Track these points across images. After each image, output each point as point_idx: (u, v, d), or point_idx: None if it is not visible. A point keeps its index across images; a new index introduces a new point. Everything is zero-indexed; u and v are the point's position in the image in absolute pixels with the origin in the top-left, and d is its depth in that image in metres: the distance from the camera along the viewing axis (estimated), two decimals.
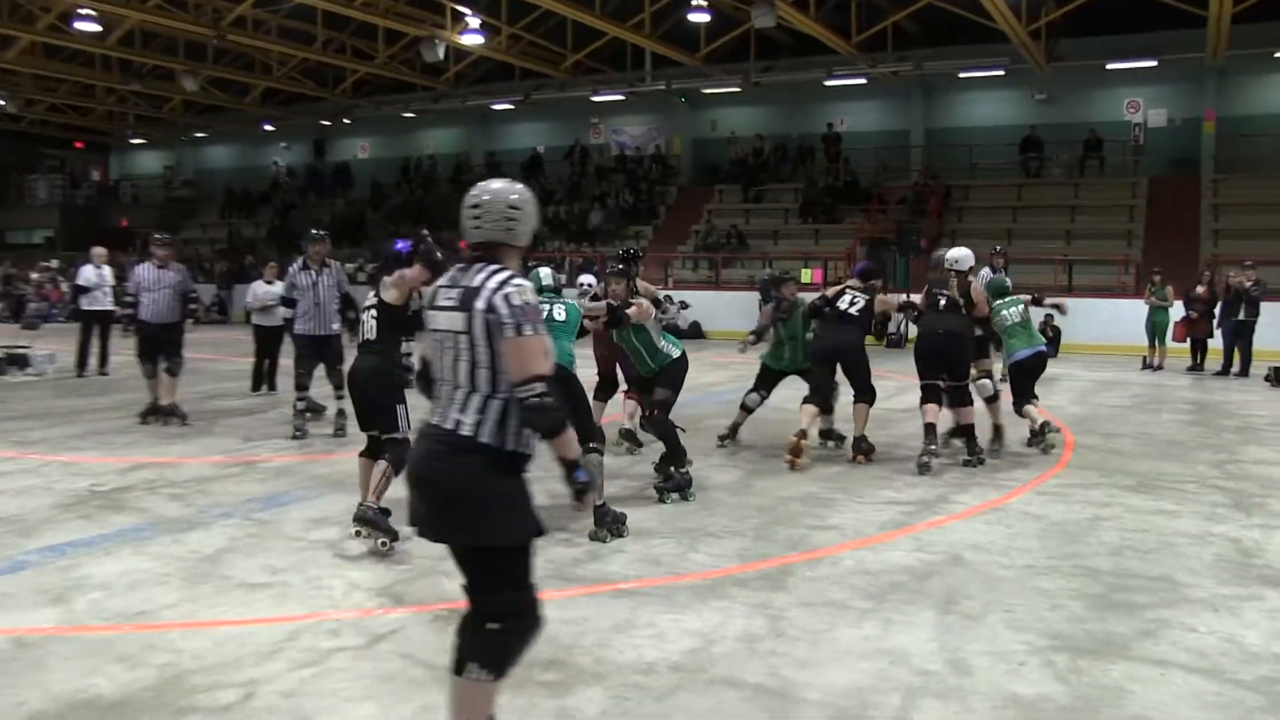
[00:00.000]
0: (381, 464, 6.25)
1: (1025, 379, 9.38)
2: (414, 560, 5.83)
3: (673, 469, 7.44)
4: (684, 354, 7.71)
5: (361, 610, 5.07)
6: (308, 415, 10.20)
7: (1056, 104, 26.60)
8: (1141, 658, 4.52)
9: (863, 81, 26.94)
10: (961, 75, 26.25)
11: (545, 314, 6.63)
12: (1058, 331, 19.36)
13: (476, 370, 3.25)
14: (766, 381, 9.54)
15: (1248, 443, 10.04)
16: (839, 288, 9.20)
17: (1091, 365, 17.67)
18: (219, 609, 5.06)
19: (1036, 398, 9.47)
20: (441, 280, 3.41)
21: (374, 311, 6.51)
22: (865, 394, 8.87)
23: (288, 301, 10.08)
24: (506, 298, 3.22)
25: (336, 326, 10.09)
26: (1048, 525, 6.76)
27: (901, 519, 6.93)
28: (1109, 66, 24.58)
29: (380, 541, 6.02)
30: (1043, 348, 9.60)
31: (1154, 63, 24.08)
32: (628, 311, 7.33)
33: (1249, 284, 16.00)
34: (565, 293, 7.72)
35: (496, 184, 3.42)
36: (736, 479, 8.12)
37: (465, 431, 3.24)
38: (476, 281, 3.27)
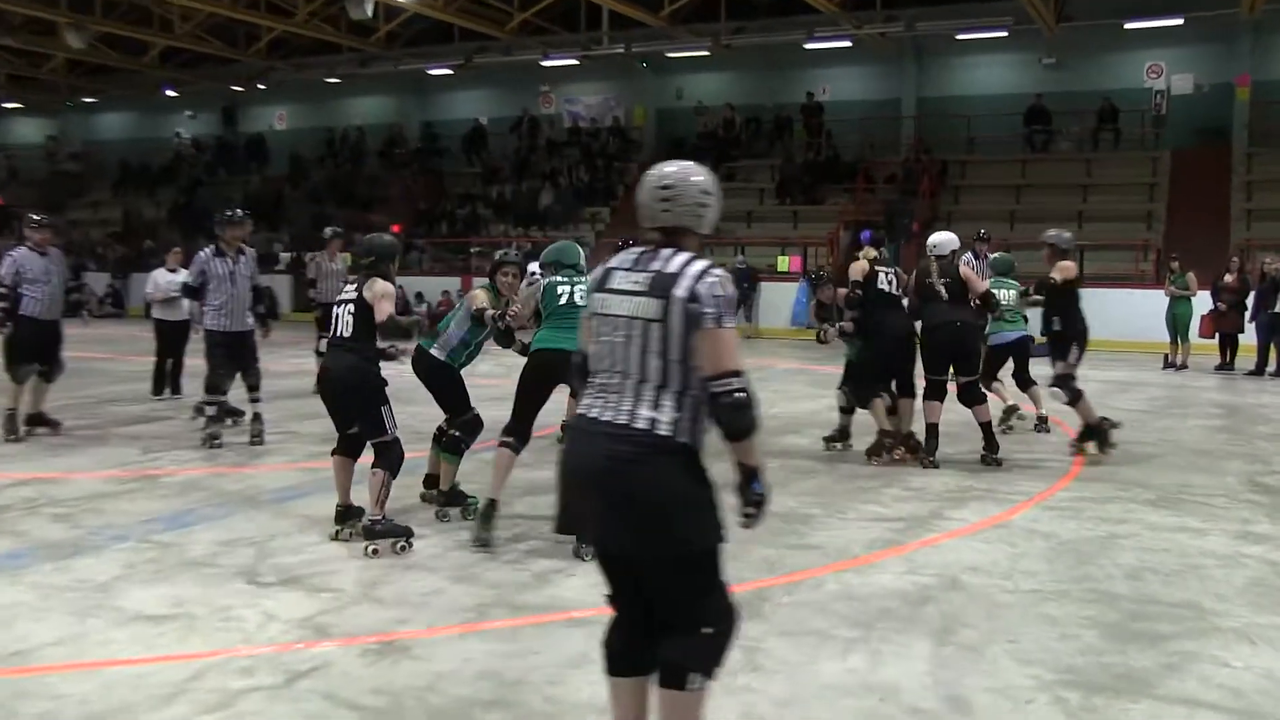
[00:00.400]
0: (379, 473, 6.52)
1: (1000, 363, 10.65)
2: (339, 587, 5.79)
3: None
4: None
5: (278, 645, 5.02)
6: (229, 422, 10.13)
7: (1066, 69, 26.84)
8: (1166, 696, 4.55)
9: (847, 44, 27.05)
10: (959, 37, 26.41)
11: (566, 298, 6.81)
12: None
13: (669, 363, 3.34)
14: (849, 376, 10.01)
15: None
16: (863, 267, 9.31)
17: (1106, 364, 17.80)
18: (110, 647, 4.99)
19: (1000, 381, 10.81)
20: (613, 262, 3.51)
21: (351, 307, 6.70)
22: (911, 387, 9.36)
23: (192, 292, 9.98)
24: (710, 286, 3.32)
25: (251, 321, 10.07)
26: (1056, 544, 6.80)
27: (891, 537, 6.95)
28: (1127, 26, 24.80)
29: (398, 546, 6.42)
30: (1025, 332, 10.73)
31: (1179, 20, 24.22)
32: None
33: None
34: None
35: (683, 167, 3.56)
36: None
37: (663, 431, 3.32)
38: (673, 267, 3.37)
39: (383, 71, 31.70)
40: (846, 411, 9.87)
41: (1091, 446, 9.43)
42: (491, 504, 6.68)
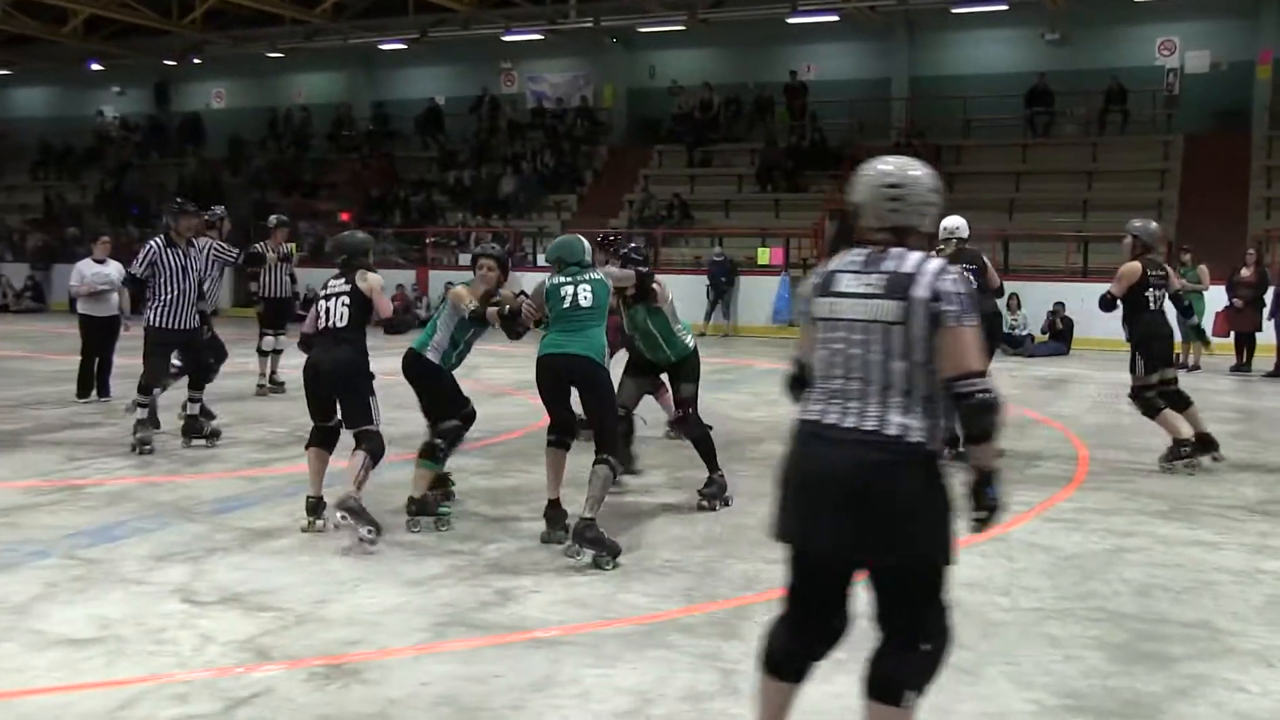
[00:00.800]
0: (360, 455, 7.04)
1: None
2: (283, 606, 5.78)
3: (714, 474, 8.09)
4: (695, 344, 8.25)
5: (217, 669, 5.00)
6: (208, 443, 10.13)
7: (1071, 46, 27.02)
8: None
9: (834, 19, 27.15)
10: (955, 11, 26.56)
11: (569, 300, 7.01)
12: (1069, 324, 19.69)
13: (913, 367, 3.48)
14: None
15: None
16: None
17: (1111, 365, 17.90)
18: (28, 674, 4.95)
19: None
20: (836, 264, 3.65)
21: (345, 299, 7.28)
22: None
23: (138, 284, 9.97)
24: (952, 284, 3.48)
25: (198, 318, 10.20)
26: (1059, 559, 6.84)
27: None
28: None
29: (367, 530, 6.79)
30: None
31: None
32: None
33: None
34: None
35: (904, 163, 3.70)
36: (680, 502, 8.14)
37: (914, 438, 3.46)
38: (908, 266, 3.51)
39: (330, 46, 31.59)
40: None
41: (1206, 459, 9.57)
42: (553, 505, 7.09)
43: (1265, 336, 17.05)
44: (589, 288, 7.09)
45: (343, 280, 7.36)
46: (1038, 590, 6.21)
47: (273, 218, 14.16)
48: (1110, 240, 22.52)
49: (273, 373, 13.36)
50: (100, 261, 12.66)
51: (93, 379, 12.79)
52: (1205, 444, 9.61)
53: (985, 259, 10.09)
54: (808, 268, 23.68)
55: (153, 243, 9.99)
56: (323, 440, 7.39)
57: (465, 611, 5.74)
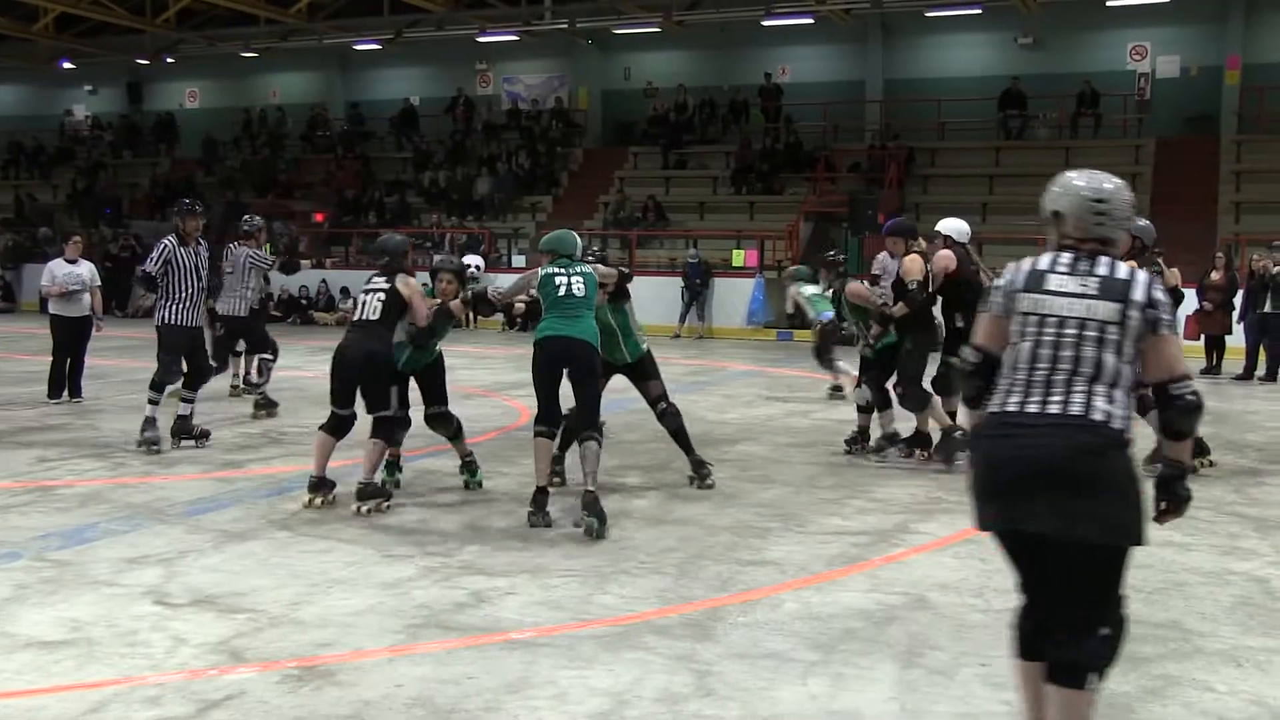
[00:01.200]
0: (377, 444, 7.77)
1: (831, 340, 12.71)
2: (257, 608, 5.76)
3: (693, 456, 8.74)
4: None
5: (189, 671, 4.98)
6: (198, 444, 10.16)
7: (1044, 49, 27.19)
8: None
9: (809, 22, 27.25)
10: (929, 14, 26.70)
11: (565, 289, 7.54)
12: None
13: (1121, 362, 3.80)
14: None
15: (1275, 461, 10.33)
16: (920, 264, 9.60)
17: None
18: None
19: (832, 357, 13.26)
20: (1043, 265, 3.92)
21: (382, 295, 7.96)
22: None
23: (150, 282, 10.04)
24: (1161, 293, 3.84)
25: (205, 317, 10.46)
26: None
27: (854, 552, 7.00)
28: (1110, 3, 25.17)
29: (384, 505, 7.69)
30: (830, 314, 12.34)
31: None
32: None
33: (1277, 268, 16.17)
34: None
35: (1103, 180, 3.99)
36: (654, 504, 8.16)
37: (1117, 425, 3.76)
38: (1122, 274, 3.85)
39: (304, 46, 31.51)
40: (865, 411, 10.14)
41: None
42: (540, 492, 7.52)
43: (1235, 339, 17.14)
44: (581, 279, 7.61)
45: (384, 279, 8.03)
46: (1010, 592, 6.18)
47: (247, 219, 14.10)
48: None
49: (247, 373, 13.31)
50: (72, 261, 12.59)
51: (64, 379, 12.71)
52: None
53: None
54: (782, 269, 23.80)
55: (166, 241, 10.07)
56: (335, 427, 7.97)
57: (440, 613, 5.74)
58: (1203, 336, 17.30)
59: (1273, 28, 25.57)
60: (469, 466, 8.64)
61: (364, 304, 8.02)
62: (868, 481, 9.04)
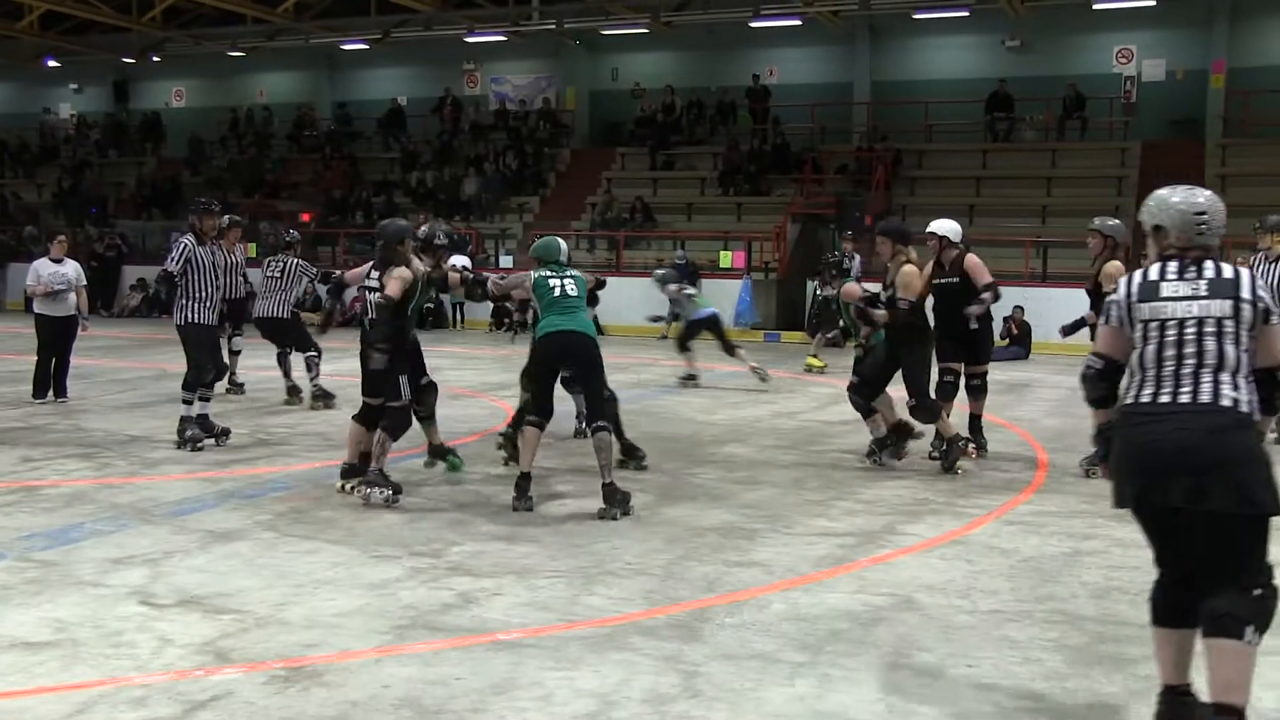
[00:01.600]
0: (379, 433, 8.00)
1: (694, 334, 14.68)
2: (243, 608, 5.75)
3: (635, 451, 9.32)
4: None
5: (175, 672, 4.96)
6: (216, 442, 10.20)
7: (1031, 52, 27.23)
8: None
9: (797, 23, 27.25)
10: (916, 16, 26.71)
11: (559, 290, 8.04)
12: (1026, 328, 19.79)
13: (1240, 351, 4.24)
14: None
15: None
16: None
17: (1071, 370, 18.00)
18: None
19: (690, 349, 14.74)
20: (1153, 275, 4.38)
21: (377, 294, 8.17)
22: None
23: (170, 281, 10.13)
24: (1264, 289, 4.31)
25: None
26: (1018, 561, 6.88)
27: (840, 554, 7.01)
28: (1096, 6, 25.18)
29: (386, 494, 7.84)
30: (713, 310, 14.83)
31: (1152, 1, 24.63)
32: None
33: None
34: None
35: (1202, 193, 4.48)
36: (641, 505, 8.14)
37: (1244, 408, 4.19)
38: (1227, 274, 4.31)
39: (291, 45, 31.43)
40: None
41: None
42: (524, 477, 7.91)
43: None
44: (573, 281, 8.16)
45: (378, 276, 8.26)
46: (997, 593, 6.25)
47: (226, 217, 14.12)
48: (1068, 245, 22.81)
49: (232, 373, 13.29)
50: (57, 261, 12.54)
51: (49, 379, 12.66)
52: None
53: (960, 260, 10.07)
54: (770, 271, 23.83)
55: (185, 240, 10.15)
56: (365, 417, 8.35)
57: (426, 614, 5.73)
58: None
59: (1257, 32, 25.69)
60: (442, 451, 9.05)
61: (367, 304, 8.37)
62: (855, 483, 9.05)
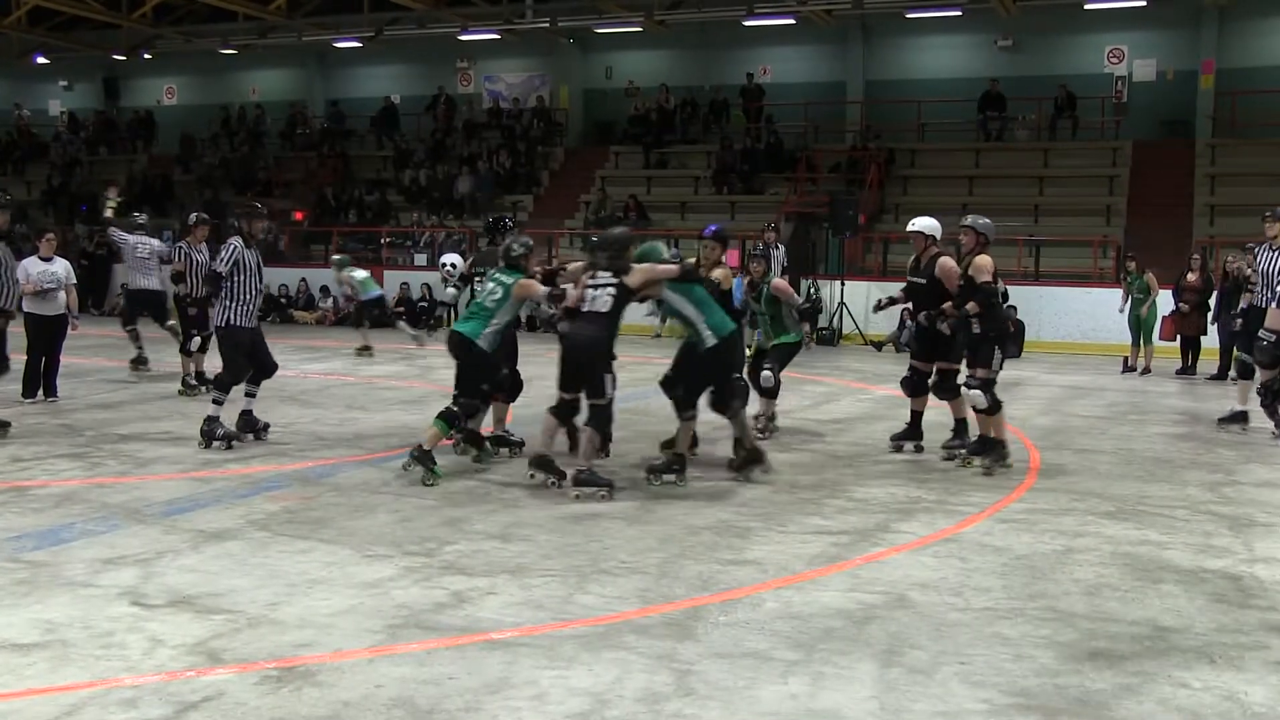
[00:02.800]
0: (588, 431, 8.41)
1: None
2: (235, 608, 5.74)
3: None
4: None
5: (167, 673, 4.95)
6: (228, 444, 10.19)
7: (1023, 52, 27.27)
8: (1124, 718, 4.64)
9: (790, 22, 27.27)
10: (909, 16, 26.73)
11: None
12: (1020, 326, 19.77)
13: None
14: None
15: (1248, 460, 10.38)
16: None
17: (1062, 368, 18.11)
18: None
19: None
20: None
21: (612, 290, 8.48)
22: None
23: (216, 282, 10.21)
24: None
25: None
26: (1010, 559, 6.90)
27: (834, 552, 7.02)
28: (1087, 6, 25.24)
29: (599, 495, 8.15)
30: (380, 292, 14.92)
31: (1143, 2, 24.70)
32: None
33: (1250, 270, 16.25)
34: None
35: None
36: (634, 503, 8.15)
37: None
38: None
39: (284, 43, 31.37)
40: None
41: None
42: (680, 457, 8.77)
43: (1209, 340, 17.27)
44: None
45: (610, 274, 8.56)
46: (989, 590, 6.26)
47: (193, 215, 14.19)
48: (1060, 244, 22.89)
49: (199, 372, 13.30)
50: (46, 259, 12.49)
51: (39, 378, 12.60)
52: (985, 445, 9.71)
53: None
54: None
55: (234, 242, 10.26)
56: (560, 411, 8.70)
57: (420, 613, 5.72)
58: (1179, 338, 17.44)
59: (1246, 33, 25.76)
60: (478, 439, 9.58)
61: (594, 297, 8.55)
62: (848, 481, 9.06)
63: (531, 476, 8.58)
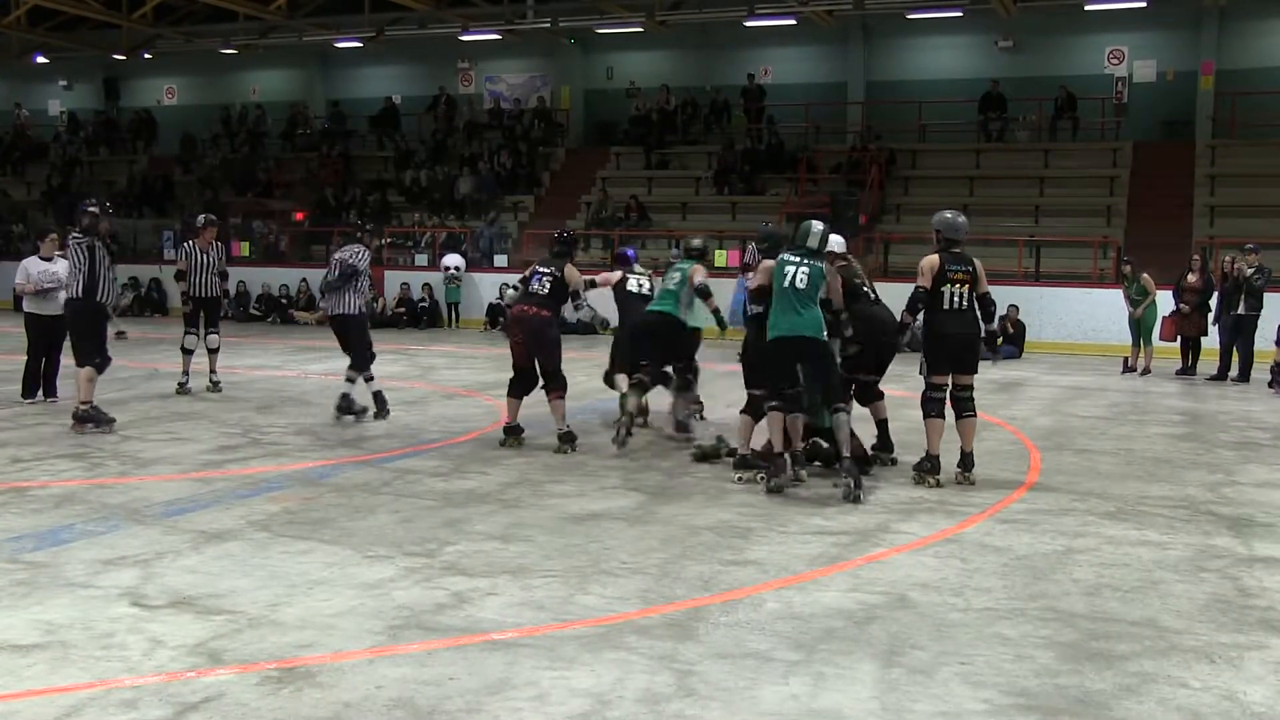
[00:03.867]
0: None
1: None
2: (235, 609, 5.74)
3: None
4: None
5: (167, 674, 4.95)
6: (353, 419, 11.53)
7: (1024, 53, 27.27)
8: (1124, 718, 4.64)
9: (791, 23, 27.24)
10: (910, 16, 26.70)
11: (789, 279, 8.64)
12: (1021, 327, 19.82)
13: None
14: None
15: (1248, 461, 10.38)
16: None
17: (1063, 368, 18.12)
18: None
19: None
20: None
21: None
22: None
23: (355, 275, 11.66)
24: None
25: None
26: (1010, 560, 6.90)
27: (835, 552, 7.02)
28: (1088, 7, 25.22)
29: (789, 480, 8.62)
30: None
31: (1143, 3, 24.66)
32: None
33: (1250, 271, 16.22)
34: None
35: None
36: (635, 504, 8.16)
37: None
38: None
39: (284, 43, 31.35)
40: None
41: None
42: (780, 456, 8.67)
43: (1210, 341, 17.22)
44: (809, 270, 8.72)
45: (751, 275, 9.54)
46: (990, 590, 6.26)
47: (201, 216, 14.19)
48: (1061, 245, 22.89)
49: (212, 371, 13.31)
50: (47, 259, 12.48)
51: (39, 379, 12.60)
52: (964, 463, 9.09)
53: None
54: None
55: (358, 247, 11.84)
56: (750, 409, 9.37)
57: (420, 614, 5.72)
58: (1179, 338, 17.42)
59: (1246, 34, 25.76)
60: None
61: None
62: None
63: (739, 479, 8.88)
